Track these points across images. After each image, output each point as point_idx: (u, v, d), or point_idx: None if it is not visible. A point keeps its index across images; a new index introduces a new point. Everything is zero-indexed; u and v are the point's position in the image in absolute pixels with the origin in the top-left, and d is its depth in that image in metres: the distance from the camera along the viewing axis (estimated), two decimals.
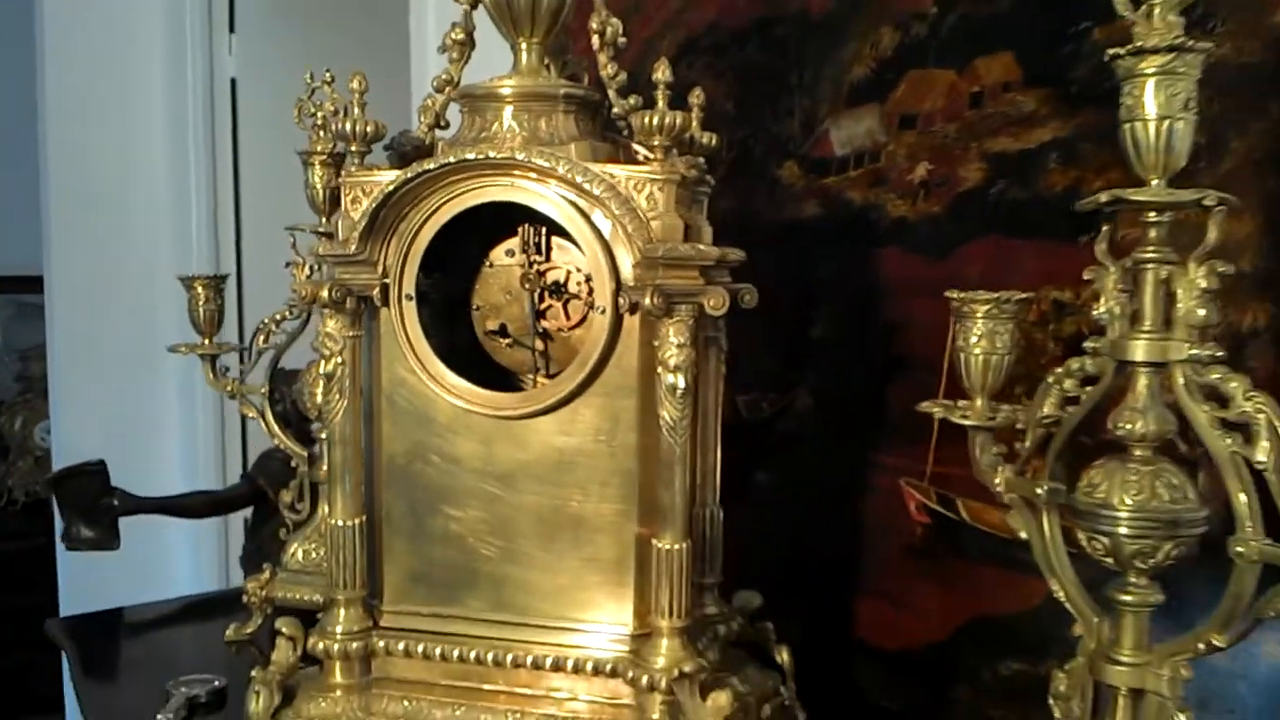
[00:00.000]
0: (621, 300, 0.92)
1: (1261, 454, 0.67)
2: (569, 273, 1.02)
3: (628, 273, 0.92)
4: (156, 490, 1.91)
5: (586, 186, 0.90)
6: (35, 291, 3.60)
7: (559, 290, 1.02)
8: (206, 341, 1.45)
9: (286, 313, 1.40)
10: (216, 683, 1.21)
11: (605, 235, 0.91)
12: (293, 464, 1.43)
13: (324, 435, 1.03)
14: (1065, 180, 1.05)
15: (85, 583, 2.40)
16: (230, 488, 1.78)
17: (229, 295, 2.79)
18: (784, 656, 1.07)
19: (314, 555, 1.40)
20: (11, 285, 4.02)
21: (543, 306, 1.04)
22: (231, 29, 2.97)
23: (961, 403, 0.88)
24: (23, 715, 3.37)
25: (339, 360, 0.97)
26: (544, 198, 0.92)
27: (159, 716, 1.12)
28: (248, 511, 1.79)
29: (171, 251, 3.05)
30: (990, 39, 1.12)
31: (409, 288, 0.95)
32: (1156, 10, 0.71)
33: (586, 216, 0.92)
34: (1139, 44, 0.71)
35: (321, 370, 0.98)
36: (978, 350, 0.86)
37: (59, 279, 3.00)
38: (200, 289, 1.44)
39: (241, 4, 2.99)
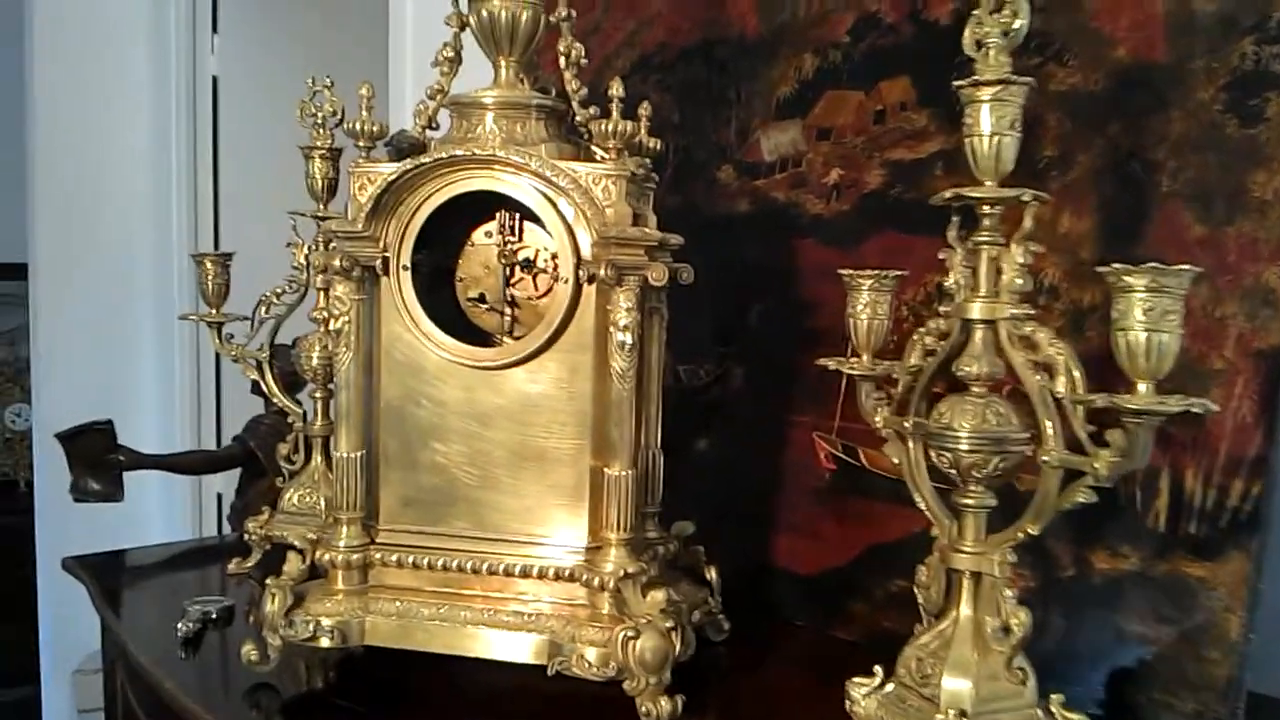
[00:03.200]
0: (581, 272, 1.13)
1: (1060, 386, 0.90)
2: (538, 251, 1.21)
3: (587, 250, 1.13)
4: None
5: (554, 179, 1.11)
6: (5, 279, 3.72)
7: (529, 265, 1.23)
8: (215, 311, 1.63)
9: (286, 287, 1.59)
10: (227, 601, 1.40)
11: (569, 219, 1.11)
12: (289, 421, 1.62)
13: (323, 392, 1.23)
14: (947, 185, 1.27)
15: (69, 530, 2.53)
16: (224, 448, 1.96)
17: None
18: (712, 574, 1.29)
19: (308, 500, 1.59)
20: None
21: (514, 279, 1.24)
22: (214, 29, 3.13)
23: (853, 358, 1.10)
24: None
25: (346, 319, 1.17)
26: (519, 188, 1.13)
27: (178, 625, 1.30)
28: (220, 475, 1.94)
29: (151, 242, 3.21)
30: (892, 65, 1.31)
31: (405, 260, 1.14)
32: (992, 52, 0.94)
33: (554, 204, 1.13)
34: (976, 77, 0.93)
35: (332, 328, 1.18)
36: (863, 316, 1.08)
37: (43, 270, 3.14)
38: (210, 264, 1.63)
39: (225, 4, 3.15)
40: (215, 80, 3.18)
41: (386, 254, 1.11)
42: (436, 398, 1.14)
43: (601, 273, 1.08)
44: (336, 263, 1.14)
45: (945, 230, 1.23)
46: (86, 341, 3.12)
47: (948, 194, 0.94)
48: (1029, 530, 0.92)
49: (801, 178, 1.42)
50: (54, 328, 3.15)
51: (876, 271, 1.07)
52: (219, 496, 2.98)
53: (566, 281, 1.13)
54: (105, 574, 1.60)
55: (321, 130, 1.55)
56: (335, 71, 1.57)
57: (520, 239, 1.22)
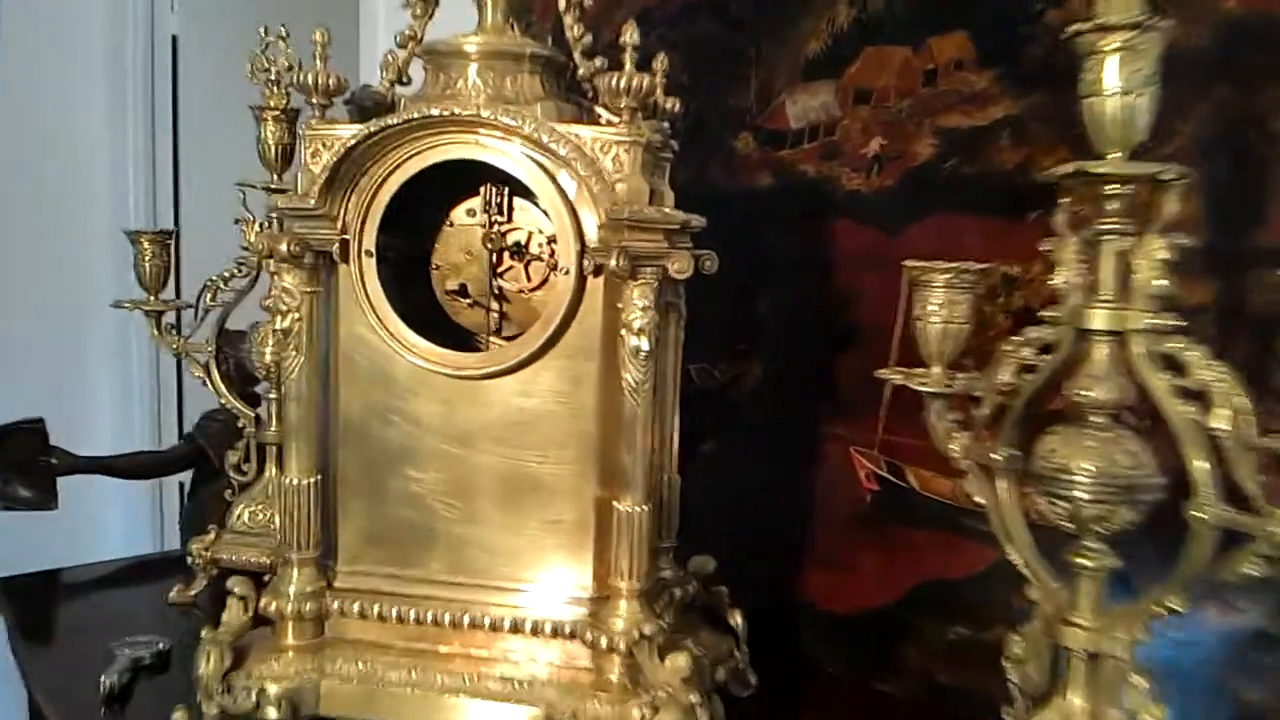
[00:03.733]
0: (586, 262, 0.92)
1: (1221, 421, 0.69)
2: (531, 234, 1.01)
3: (592, 235, 0.92)
4: (89, 451, 1.86)
5: (552, 146, 0.89)
6: None
7: (520, 251, 1.02)
8: (152, 297, 1.42)
9: (235, 270, 1.37)
10: (161, 645, 1.19)
11: (570, 196, 0.91)
12: (239, 424, 1.41)
13: (277, 394, 1.01)
14: (1015, 158, 1.06)
15: (12, 543, 2.33)
16: (170, 449, 1.75)
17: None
18: (737, 620, 1.09)
19: (260, 517, 1.38)
20: None
21: (502, 267, 1.03)
22: None
23: (919, 370, 0.89)
24: None
25: (295, 316, 0.96)
26: (508, 156, 0.92)
27: (102, 679, 1.09)
28: (185, 475, 1.75)
29: (108, 208, 2.97)
30: (945, 18, 1.12)
31: (369, 244, 0.94)
32: None
33: (551, 177, 0.92)
34: (1101, 20, 0.72)
35: (278, 326, 0.96)
36: (936, 319, 0.87)
37: None
38: (146, 244, 1.41)
39: None
40: (175, 40, 2.94)
41: (346, 236, 0.94)
42: (408, 413, 0.94)
43: (612, 262, 0.87)
44: (284, 247, 0.92)
45: (1024, 214, 1.03)
46: (33, 327, 2.88)
47: (1067, 168, 0.73)
48: (1170, 605, 0.72)
49: (835, 148, 1.24)
50: (1, 298, 2.91)
51: (954, 265, 0.86)
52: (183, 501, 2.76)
53: (567, 272, 0.92)
54: (29, 601, 1.39)
55: (275, 88, 1.32)
56: (304, 30, 1.33)
57: (509, 219, 1.01)
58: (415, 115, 0.91)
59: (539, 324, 0.94)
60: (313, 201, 0.94)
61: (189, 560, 1.39)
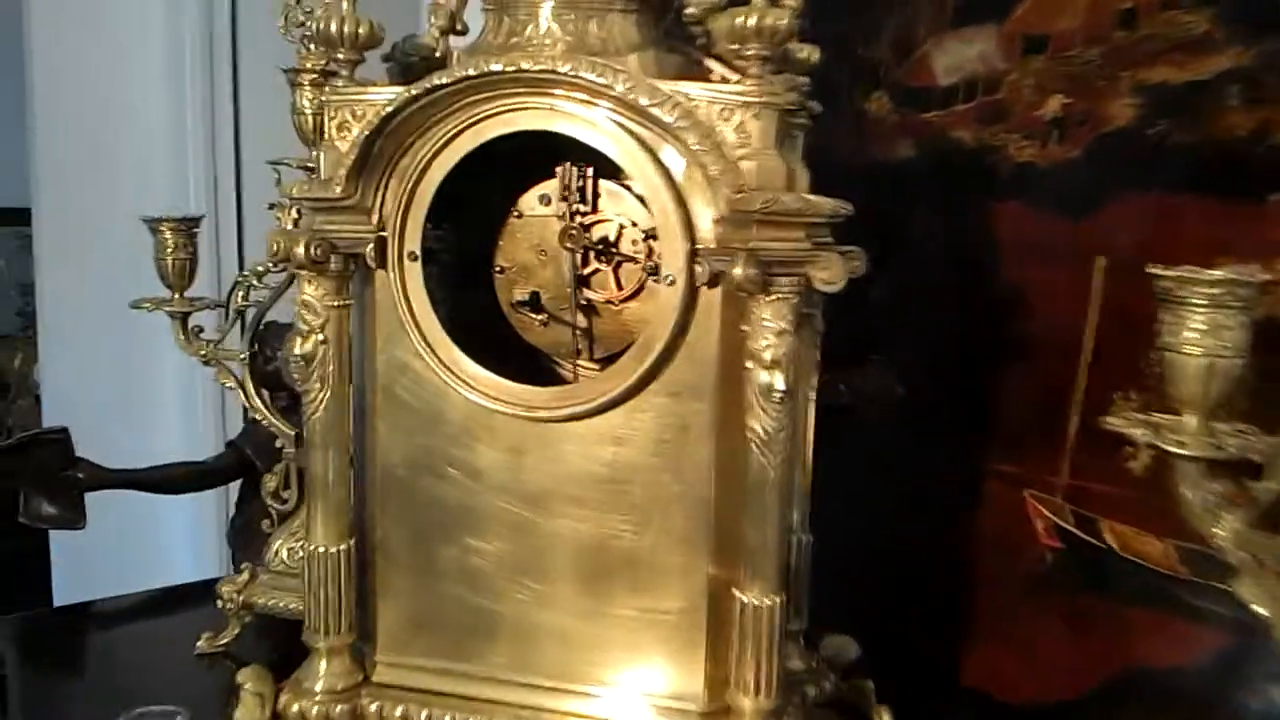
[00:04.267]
0: (698, 268, 0.68)
1: None
2: (622, 228, 0.79)
3: (707, 231, 0.68)
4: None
5: (655, 112, 0.65)
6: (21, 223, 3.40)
7: (608, 250, 0.79)
8: (176, 296, 1.22)
9: (269, 264, 1.16)
10: (180, 716, 0.98)
11: (677, 179, 0.67)
12: (278, 444, 1.20)
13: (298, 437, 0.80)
14: (1248, 122, 0.85)
15: (69, 568, 2.22)
16: (213, 458, 1.56)
17: (226, 239, 2.55)
18: None
19: (300, 553, 1.17)
20: (15, 218, 3.84)
21: (586, 271, 0.80)
22: None
23: (1165, 418, 0.64)
24: None
25: (319, 339, 0.74)
26: (594, 127, 0.69)
27: None
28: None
29: (167, 184, 2.81)
30: None
31: (413, 244, 0.73)
32: None
33: (652, 153, 0.69)
34: None
35: (297, 350, 0.75)
36: (1196, 350, 0.62)
37: (48, 212, 2.76)
38: (168, 234, 1.20)
39: None
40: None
41: (383, 234, 0.75)
42: (465, 464, 0.75)
43: (737, 270, 0.63)
44: (301, 249, 0.70)
45: (1264, 195, 0.83)
46: (98, 296, 2.73)
47: None
48: None
49: (998, 109, 1.03)
50: (61, 281, 2.77)
51: (1228, 274, 0.60)
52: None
53: (671, 282, 0.69)
54: (35, 649, 1.21)
55: (314, 46, 1.09)
56: None
57: (594, 208, 0.78)
58: (471, 72, 0.68)
59: (635, 350, 0.71)
60: (339, 189, 0.72)
61: (219, 603, 1.19)
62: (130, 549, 2.07)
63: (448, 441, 0.77)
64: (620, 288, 0.80)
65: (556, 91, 0.70)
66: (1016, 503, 0.99)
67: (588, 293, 0.81)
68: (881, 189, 1.12)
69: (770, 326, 0.67)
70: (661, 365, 0.71)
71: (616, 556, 0.74)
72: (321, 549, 0.77)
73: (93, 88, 2.82)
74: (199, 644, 1.20)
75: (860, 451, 1.08)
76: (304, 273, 0.74)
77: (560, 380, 0.82)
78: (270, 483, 1.23)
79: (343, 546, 0.77)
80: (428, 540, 0.78)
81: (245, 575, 1.20)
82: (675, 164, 0.69)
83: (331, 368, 0.75)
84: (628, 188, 0.79)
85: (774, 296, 0.66)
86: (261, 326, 1.21)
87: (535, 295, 0.82)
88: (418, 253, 0.75)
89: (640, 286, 0.80)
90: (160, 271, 1.23)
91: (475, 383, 0.75)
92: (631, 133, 0.69)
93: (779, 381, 0.67)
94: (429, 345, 0.75)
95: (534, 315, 0.82)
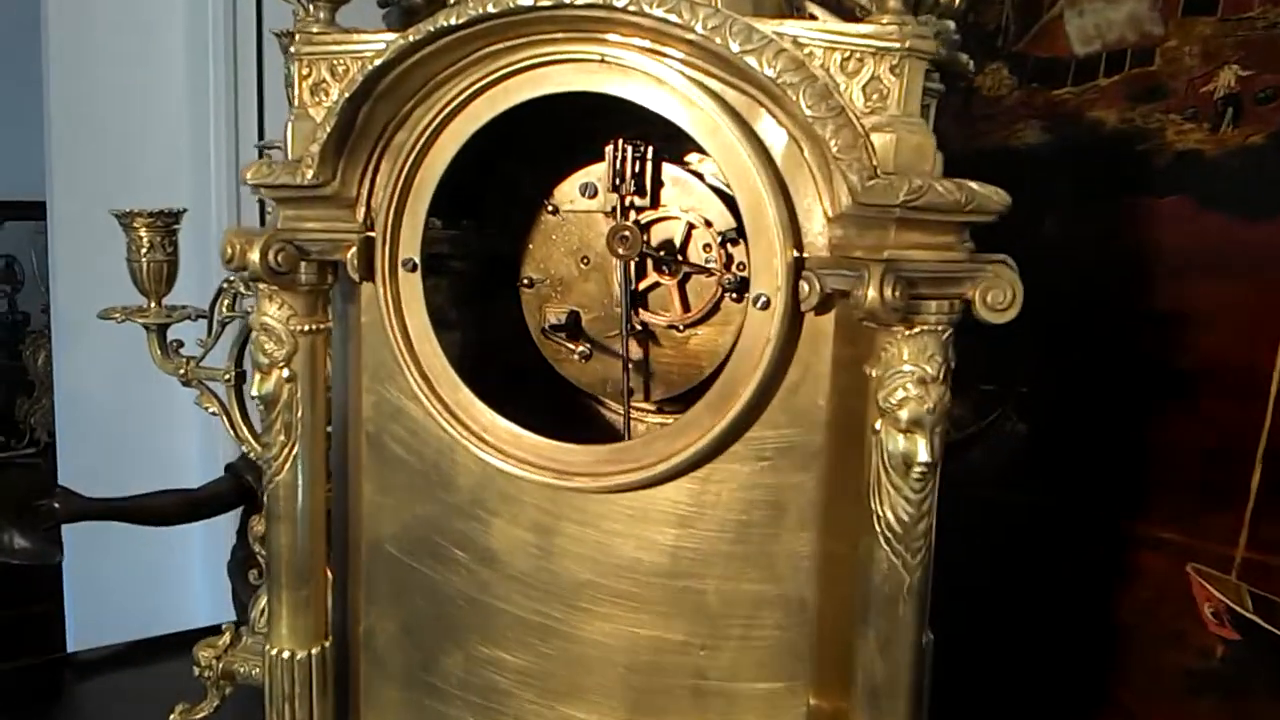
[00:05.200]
0: (805, 286, 0.48)
1: None
2: (691, 228, 0.59)
3: (818, 233, 0.49)
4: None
5: (750, 62, 0.46)
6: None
7: (673, 258, 0.58)
8: (152, 305, 1.04)
9: (230, 272, 0.98)
10: None
11: (777, 160, 0.47)
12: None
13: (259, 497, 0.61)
14: None
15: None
16: (208, 484, 1.39)
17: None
18: None
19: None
20: (40, 211, 3.75)
21: (643, 285, 0.60)
22: None
23: None
24: None
25: (283, 375, 0.55)
26: (660, 86, 0.49)
27: None
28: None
29: (188, 176, 2.67)
30: None
31: (410, 248, 0.54)
32: None
33: (743, 123, 0.48)
34: None
35: (255, 391, 0.56)
36: None
37: (63, 204, 2.63)
38: (142, 230, 1.03)
39: None
40: None
41: (371, 234, 0.57)
42: (477, 544, 0.58)
43: (872, 291, 0.43)
44: (256, 254, 0.51)
45: None
46: (117, 293, 2.60)
47: None
48: None
49: (1152, 84, 0.88)
50: (77, 277, 2.64)
51: None
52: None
53: (765, 304, 0.48)
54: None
55: (311, 6, 0.90)
56: None
57: (655, 201, 0.58)
58: (492, 9, 0.49)
59: (711, 397, 0.52)
60: (311, 173, 0.53)
61: (195, 671, 1.01)
62: (146, 585, 1.97)
63: (454, 513, 0.58)
64: (687, 308, 0.61)
65: (609, 36, 0.50)
66: (1176, 579, 0.83)
67: (644, 314, 0.61)
68: (996, 183, 0.93)
69: (911, 371, 0.47)
70: (748, 419, 0.52)
71: (679, 678, 0.56)
72: (286, 653, 0.58)
73: (111, 76, 2.68)
74: (172, 718, 1.02)
75: (974, 509, 0.88)
76: (263, 286, 0.55)
77: (607, 432, 0.62)
78: (259, 525, 1.06)
79: (314, 650, 0.59)
80: (426, 644, 0.60)
81: (226, 637, 1.03)
82: (775, 138, 0.50)
83: (300, 413, 0.57)
84: (698, 174, 0.59)
85: (918, 329, 0.46)
86: (240, 367, 1.03)
87: (574, 316, 0.63)
88: (417, 260, 0.56)
89: (714, 306, 0.60)
90: (133, 275, 1.06)
91: (491, 436, 0.56)
92: (713, 94, 0.50)
93: (922, 450, 0.47)
94: (430, 384, 0.56)
95: (571, 343, 0.62)
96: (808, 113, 0.47)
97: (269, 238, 0.54)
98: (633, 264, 0.61)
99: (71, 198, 2.61)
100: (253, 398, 0.58)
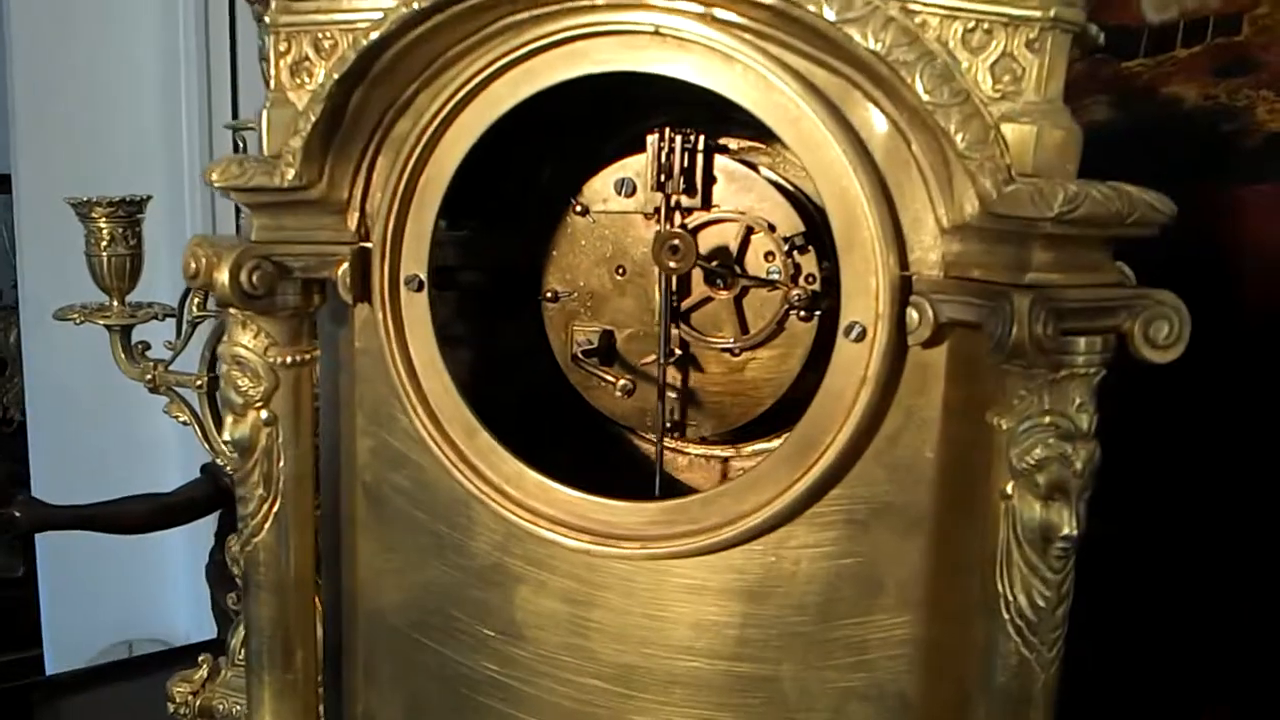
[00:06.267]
0: (914, 314, 0.39)
1: None
2: (749, 232, 0.49)
3: (930, 248, 0.39)
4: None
5: (851, 33, 0.36)
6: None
7: (729, 269, 0.49)
8: (115, 303, 0.94)
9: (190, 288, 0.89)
10: None
11: (876, 156, 0.37)
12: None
13: (239, 564, 0.52)
14: None
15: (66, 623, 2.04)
16: (182, 488, 1.29)
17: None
18: None
19: None
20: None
21: (687, 303, 0.50)
22: None
23: None
24: None
25: (261, 417, 0.45)
26: (730, 63, 0.39)
27: None
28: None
29: (159, 149, 2.56)
30: None
31: (414, 262, 0.45)
32: None
33: (835, 110, 0.38)
34: None
35: (227, 435, 0.46)
36: None
37: (29, 177, 2.52)
38: (102, 221, 0.93)
39: None
40: None
41: (367, 244, 0.46)
42: (500, 618, 0.50)
43: (1016, 328, 0.33)
44: (225, 275, 0.41)
45: None
46: (87, 286, 2.49)
47: None
48: None
49: (1239, 56, 0.79)
50: (43, 258, 2.53)
51: None
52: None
53: (860, 335, 0.39)
54: None
55: None
56: None
57: (706, 201, 0.47)
58: None
59: (790, 448, 0.42)
60: (293, 172, 0.43)
61: (170, 707, 0.92)
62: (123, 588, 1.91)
63: (470, 580, 0.48)
64: (745, 328, 0.51)
65: (662, 2, 0.40)
66: None
67: (692, 334, 0.51)
68: None
69: (1053, 425, 0.37)
70: (836, 475, 0.42)
71: None
72: None
73: (79, 45, 2.58)
74: None
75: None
76: (234, 313, 0.44)
77: (646, 471, 0.52)
78: (235, 544, 0.96)
79: None
80: None
81: (203, 670, 0.94)
82: (873, 128, 0.39)
83: (282, 462, 0.47)
84: (754, 167, 0.49)
85: (1064, 371, 0.37)
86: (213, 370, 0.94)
87: (607, 339, 0.53)
88: (423, 277, 0.45)
89: (778, 326, 0.50)
90: (93, 271, 0.96)
91: (515, 489, 0.46)
92: (797, 74, 0.39)
93: (1066, 521, 0.37)
94: (439, 426, 0.46)
95: (603, 369, 0.52)
96: (925, 98, 0.37)
97: (241, 253, 0.43)
98: (673, 275, 0.52)
99: (38, 174, 2.49)
100: (225, 443, 0.48)
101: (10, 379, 3.86)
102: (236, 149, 0.88)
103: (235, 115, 2.57)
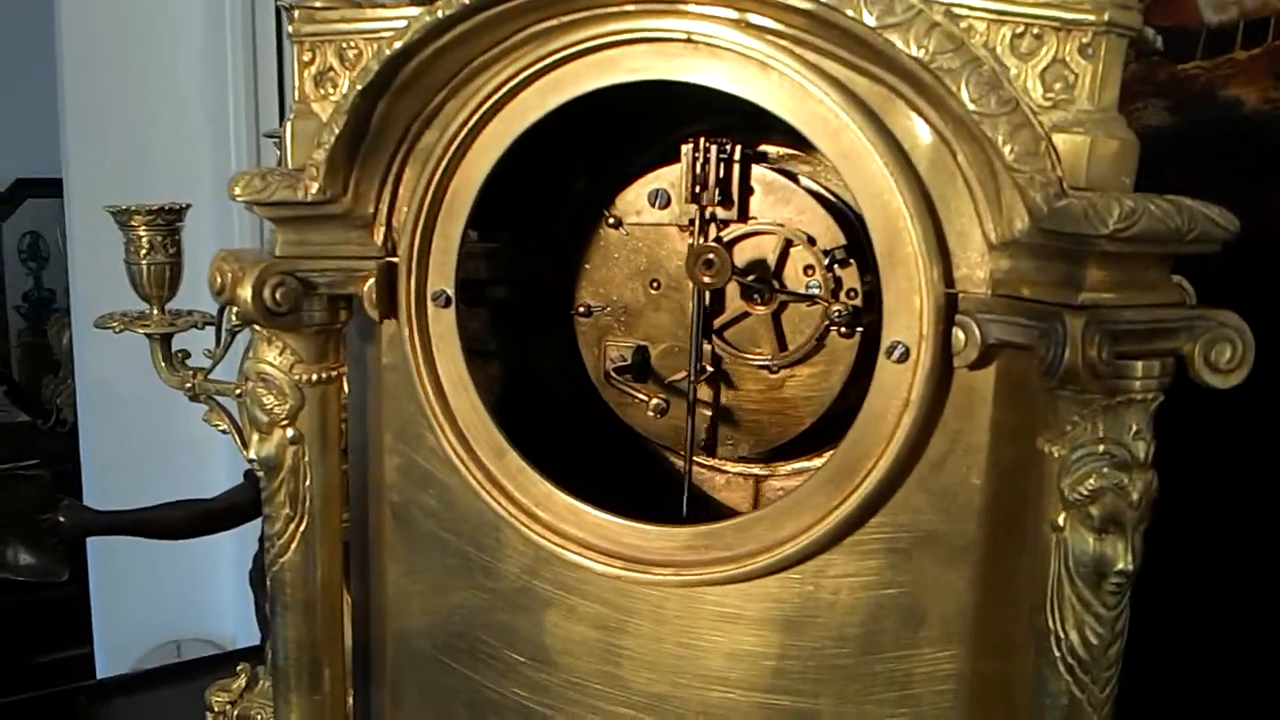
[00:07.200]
0: (961, 335, 0.37)
1: None
2: (788, 245, 0.47)
3: (978, 264, 0.36)
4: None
5: (893, 40, 0.34)
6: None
7: (766, 283, 0.47)
8: (155, 312, 0.93)
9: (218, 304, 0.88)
10: None
11: (919, 165, 0.35)
12: None
13: (262, 576, 0.51)
14: None
15: (116, 621, 2.07)
16: (225, 494, 1.30)
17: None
18: None
19: None
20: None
21: (723, 318, 0.48)
22: None
23: None
24: None
25: (287, 435, 0.44)
26: (766, 71, 0.37)
27: None
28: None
29: (206, 150, 2.59)
30: None
31: (442, 277, 0.43)
32: None
33: (877, 120, 0.36)
34: None
35: (253, 454, 0.45)
36: None
37: (79, 184, 2.55)
38: (142, 228, 0.92)
39: None
40: None
41: (394, 259, 0.44)
42: (529, 643, 0.47)
43: (1068, 351, 0.31)
44: (248, 291, 0.40)
45: None
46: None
47: None
48: None
49: None
50: (95, 258, 2.57)
51: None
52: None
53: (903, 356, 0.37)
54: None
55: None
56: None
57: (744, 212, 0.46)
58: None
59: (830, 472, 0.40)
60: (316, 186, 0.41)
61: (209, 716, 0.92)
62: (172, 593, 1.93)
63: (499, 604, 0.47)
64: (784, 345, 0.49)
65: (695, 8, 0.38)
66: None
67: (728, 349, 0.50)
68: None
69: (1109, 454, 0.35)
70: (878, 501, 0.40)
71: None
72: None
73: (128, 53, 2.61)
74: None
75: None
76: (260, 330, 0.44)
77: (681, 491, 0.51)
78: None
79: None
80: None
81: (241, 680, 0.93)
82: (917, 139, 0.37)
83: (309, 481, 0.46)
84: (792, 176, 0.47)
85: (1120, 397, 0.35)
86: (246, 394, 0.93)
87: (640, 354, 0.51)
88: (450, 293, 0.44)
89: (818, 343, 0.48)
90: (133, 279, 0.95)
91: (545, 511, 0.44)
92: (836, 83, 0.38)
93: (1121, 555, 0.35)
94: (467, 445, 0.45)
95: (636, 386, 0.51)
96: (971, 107, 0.35)
97: (264, 269, 0.42)
98: (707, 290, 0.50)
99: (88, 177, 2.53)
100: (250, 462, 0.47)
101: (63, 381, 3.92)
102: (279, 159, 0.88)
103: (283, 120, 2.58)
